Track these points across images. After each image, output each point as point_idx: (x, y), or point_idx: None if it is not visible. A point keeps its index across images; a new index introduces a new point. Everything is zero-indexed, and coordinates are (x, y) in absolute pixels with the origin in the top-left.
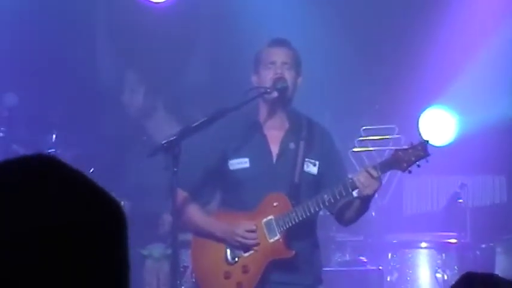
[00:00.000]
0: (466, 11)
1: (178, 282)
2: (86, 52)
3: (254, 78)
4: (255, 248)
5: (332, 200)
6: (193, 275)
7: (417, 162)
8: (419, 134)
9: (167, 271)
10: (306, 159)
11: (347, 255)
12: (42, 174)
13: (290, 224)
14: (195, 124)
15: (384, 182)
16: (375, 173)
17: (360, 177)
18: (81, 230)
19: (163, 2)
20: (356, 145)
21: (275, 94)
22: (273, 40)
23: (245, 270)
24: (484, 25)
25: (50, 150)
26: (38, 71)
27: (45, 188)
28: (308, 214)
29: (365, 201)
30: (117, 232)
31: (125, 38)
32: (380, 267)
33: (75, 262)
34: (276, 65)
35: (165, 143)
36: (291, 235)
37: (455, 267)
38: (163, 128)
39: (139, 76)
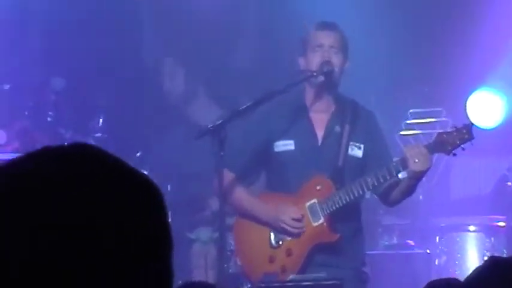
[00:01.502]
0: None
1: (226, 265)
2: (131, 36)
3: (301, 61)
4: (300, 235)
5: (376, 183)
6: (237, 258)
7: (462, 145)
8: (467, 117)
9: (215, 254)
10: (351, 143)
11: (394, 239)
12: (81, 164)
13: (334, 208)
14: (242, 108)
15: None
16: (424, 149)
17: (410, 151)
18: (119, 227)
19: None
20: (403, 128)
21: (321, 78)
22: (320, 23)
23: (289, 253)
24: None
25: (96, 135)
26: (85, 56)
27: (86, 182)
28: (352, 197)
29: (413, 181)
30: (157, 215)
31: (170, 22)
32: (428, 251)
33: (112, 260)
34: (323, 48)
35: (211, 126)
36: (335, 218)
37: (504, 250)
38: (205, 113)
39: (179, 61)
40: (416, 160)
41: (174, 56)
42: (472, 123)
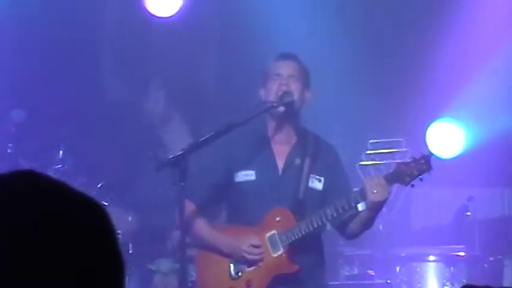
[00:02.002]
0: (474, 23)
1: None
2: (93, 68)
3: (261, 92)
4: (259, 263)
5: (335, 214)
6: None
7: (420, 176)
8: (427, 147)
9: (176, 286)
10: (311, 175)
11: (355, 269)
12: (24, 186)
13: (293, 239)
14: (202, 139)
15: (391, 195)
16: (383, 181)
17: (370, 181)
18: (64, 233)
19: (170, 16)
20: (363, 158)
21: (282, 109)
22: (280, 54)
23: (248, 285)
24: (492, 38)
25: (57, 166)
26: (45, 88)
27: (29, 198)
28: (311, 229)
29: (372, 212)
30: (103, 233)
31: (131, 53)
32: (388, 281)
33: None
34: (281, 77)
35: (172, 157)
36: (295, 250)
37: (464, 280)
38: (179, 138)
39: (160, 84)
40: (375, 191)
41: (154, 78)
42: (431, 154)
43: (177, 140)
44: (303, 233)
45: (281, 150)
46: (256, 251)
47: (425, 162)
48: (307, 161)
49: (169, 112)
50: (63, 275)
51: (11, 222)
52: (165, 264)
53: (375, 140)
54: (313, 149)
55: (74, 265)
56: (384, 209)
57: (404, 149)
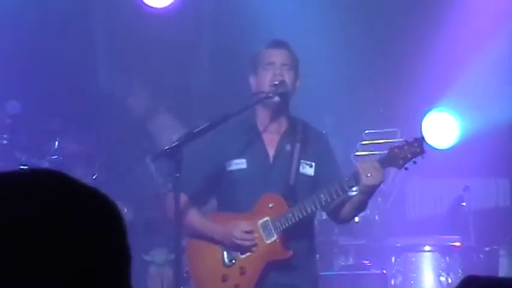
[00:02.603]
0: (468, 13)
1: (181, 287)
2: (86, 59)
3: (252, 79)
4: (252, 249)
5: (329, 199)
6: (191, 279)
7: (413, 159)
8: (422, 137)
9: (171, 277)
10: (302, 161)
11: (350, 259)
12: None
13: (287, 225)
14: (196, 130)
15: (386, 185)
16: (377, 164)
17: (363, 165)
18: (78, 227)
19: (164, 7)
20: (358, 149)
21: (277, 99)
22: (271, 41)
23: (242, 272)
24: (486, 28)
25: (52, 157)
26: (40, 79)
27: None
28: (305, 214)
29: (365, 196)
30: (115, 228)
31: (125, 44)
32: (384, 271)
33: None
34: (275, 66)
35: (167, 148)
36: (288, 236)
37: (459, 270)
38: (168, 130)
39: (142, 80)
40: (369, 174)
41: (136, 73)
42: (423, 137)
43: (165, 133)
44: (297, 218)
45: (271, 139)
46: (249, 237)
47: (418, 146)
48: (297, 146)
49: (154, 105)
50: (69, 270)
51: (21, 215)
52: (160, 255)
53: (370, 131)
54: (302, 135)
55: (82, 258)
56: (379, 199)
57: (399, 139)
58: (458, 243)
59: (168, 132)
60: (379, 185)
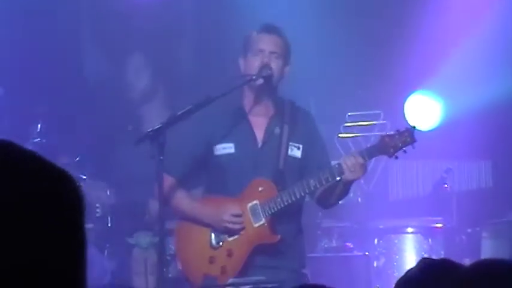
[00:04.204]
0: None
1: (165, 270)
2: (71, 43)
3: (241, 62)
4: (240, 232)
5: (318, 186)
6: (178, 260)
7: (404, 148)
8: (405, 119)
9: (154, 260)
10: (290, 143)
11: (333, 241)
12: None
13: (276, 209)
14: (180, 112)
15: (369, 167)
16: (361, 159)
17: (347, 161)
18: (31, 201)
19: None
20: (342, 131)
21: (261, 81)
22: (264, 26)
23: (229, 254)
24: (469, 11)
25: (35, 140)
26: (24, 63)
27: None
28: (294, 199)
29: (347, 186)
30: (70, 203)
31: (109, 28)
32: (366, 253)
33: (27, 233)
34: (264, 54)
35: (150, 131)
36: (276, 220)
37: (442, 251)
38: (159, 114)
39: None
40: (353, 169)
41: (136, 52)
42: (414, 127)
43: (157, 115)
44: (285, 203)
45: (259, 122)
46: (237, 220)
47: (409, 135)
48: (286, 128)
49: (152, 88)
50: (24, 249)
51: None
52: (144, 238)
53: (353, 113)
54: (290, 117)
55: (35, 239)
56: (361, 181)
57: (382, 122)
58: (440, 225)
59: (160, 117)
60: (362, 176)
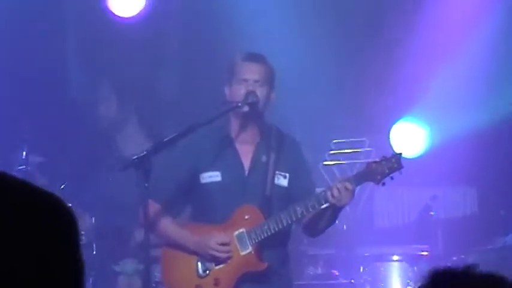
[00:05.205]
0: (435, 24)
1: None
2: (57, 67)
3: (226, 90)
4: (227, 261)
5: (305, 213)
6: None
7: (391, 175)
8: (391, 147)
9: (140, 287)
10: (277, 172)
11: (319, 269)
12: None
13: (262, 237)
14: (166, 139)
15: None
16: (349, 186)
17: (334, 191)
18: (28, 225)
19: (133, 16)
20: (327, 158)
21: (246, 108)
22: (247, 55)
23: (216, 283)
24: (455, 38)
25: (20, 167)
26: (8, 88)
27: None
28: (280, 226)
29: (335, 212)
30: (67, 234)
31: (95, 51)
32: (352, 281)
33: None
34: (248, 83)
35: (135, 158)
36: (264, 247)
37: None
38: (133, 142)
39: (112, 87)
40: (340, 196)
41: (104, 81)
42: (401, 154)
43: (132, 143)
44: (272, 231)
45: (246, 149)
46: (224, 248)
47: (396, 161)
48: (272, 156)
49: (123, 115)
50: (22, 273)
51: None
52: (129, 265)
53: (338, 140)
54: (276, 144)
55: (32, 264)
56: (347, 209)
57: (367, 149)
58: (426, 253)
59: (135, 145)
60: (349, 203)
